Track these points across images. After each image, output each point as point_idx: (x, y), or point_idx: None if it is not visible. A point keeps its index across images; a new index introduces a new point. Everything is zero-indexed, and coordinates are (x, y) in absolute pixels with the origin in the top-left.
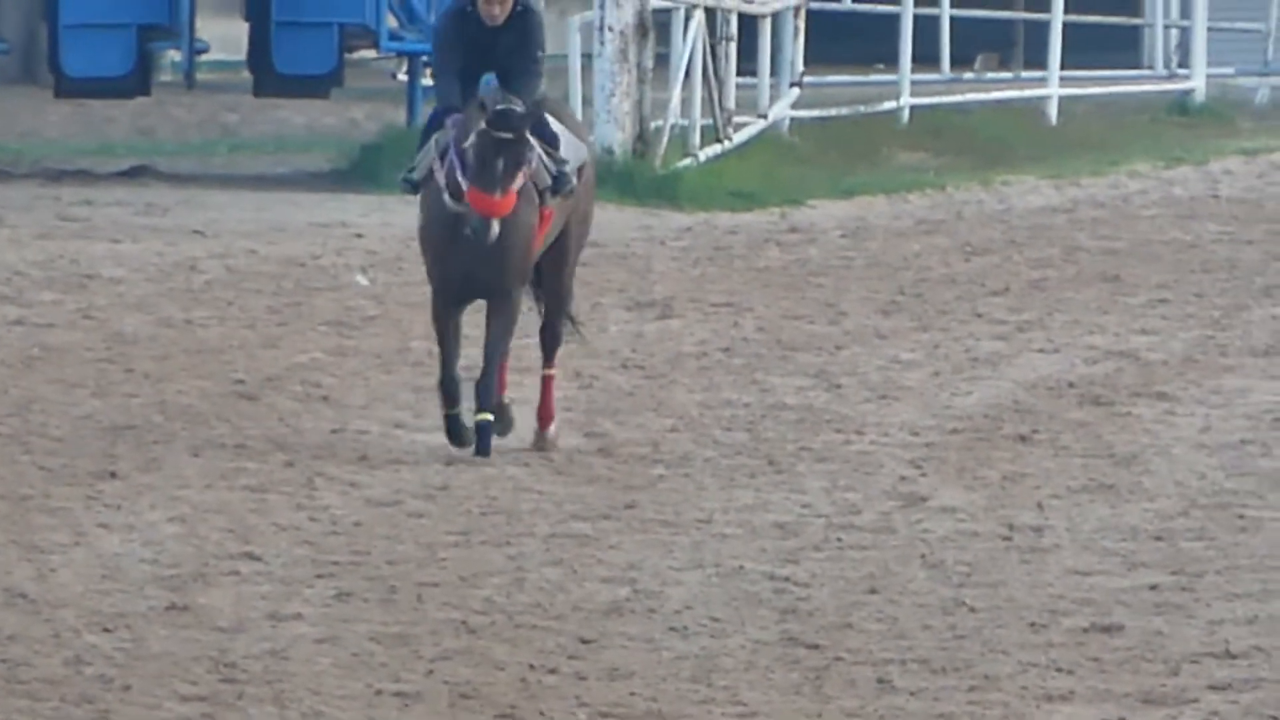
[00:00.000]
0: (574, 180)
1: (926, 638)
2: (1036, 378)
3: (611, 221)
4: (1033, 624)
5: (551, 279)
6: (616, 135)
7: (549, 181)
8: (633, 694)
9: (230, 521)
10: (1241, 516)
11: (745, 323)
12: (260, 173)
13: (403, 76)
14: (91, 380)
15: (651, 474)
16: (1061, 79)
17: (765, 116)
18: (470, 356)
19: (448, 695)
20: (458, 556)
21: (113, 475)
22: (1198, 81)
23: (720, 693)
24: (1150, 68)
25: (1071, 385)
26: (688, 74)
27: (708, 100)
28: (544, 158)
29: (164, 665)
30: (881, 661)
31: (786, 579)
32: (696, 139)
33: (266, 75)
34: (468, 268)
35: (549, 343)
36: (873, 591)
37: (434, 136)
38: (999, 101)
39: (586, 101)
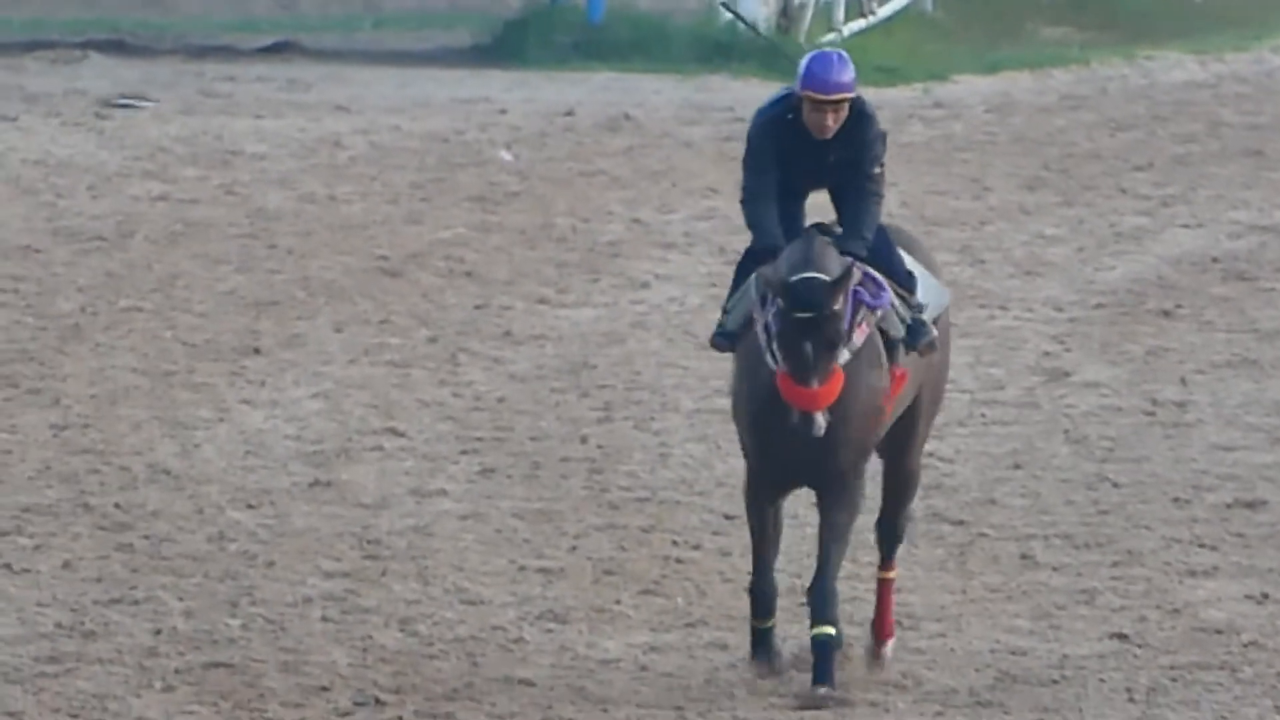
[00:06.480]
0: (933, 331)
1: (1069, 513)
2: (1180, 253)
3: (757, 97)
4: (1176, 499)
5: (894, 457)
6: (761, 10)
7: (902, 332)
8: (776, 570)
9: (373, 397)
10: None
11: (889, 198)
12: (404, 48)
13: None
14: (235, 256)
15: None
16: None
17: None
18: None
19: (591, 571)
20: (601, 433)
21: (256, 351)
22: None
23: (865, 569)
24: None
25: (1215, 260)
26: None
27: None
28: (895, 303)
29: (307, 541)
30: (1025, 537)
31: (931, 455)
32: (840, 14)
33: None
34: (794, 448)
35: (888, 538)
36: (1016, 467)
37: (752, 277)
38: None
39: None
